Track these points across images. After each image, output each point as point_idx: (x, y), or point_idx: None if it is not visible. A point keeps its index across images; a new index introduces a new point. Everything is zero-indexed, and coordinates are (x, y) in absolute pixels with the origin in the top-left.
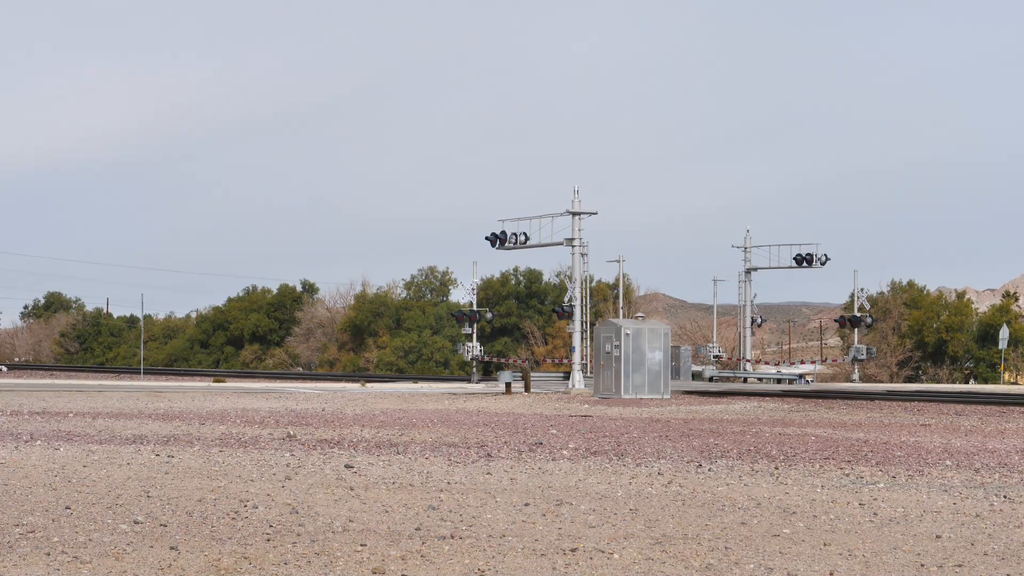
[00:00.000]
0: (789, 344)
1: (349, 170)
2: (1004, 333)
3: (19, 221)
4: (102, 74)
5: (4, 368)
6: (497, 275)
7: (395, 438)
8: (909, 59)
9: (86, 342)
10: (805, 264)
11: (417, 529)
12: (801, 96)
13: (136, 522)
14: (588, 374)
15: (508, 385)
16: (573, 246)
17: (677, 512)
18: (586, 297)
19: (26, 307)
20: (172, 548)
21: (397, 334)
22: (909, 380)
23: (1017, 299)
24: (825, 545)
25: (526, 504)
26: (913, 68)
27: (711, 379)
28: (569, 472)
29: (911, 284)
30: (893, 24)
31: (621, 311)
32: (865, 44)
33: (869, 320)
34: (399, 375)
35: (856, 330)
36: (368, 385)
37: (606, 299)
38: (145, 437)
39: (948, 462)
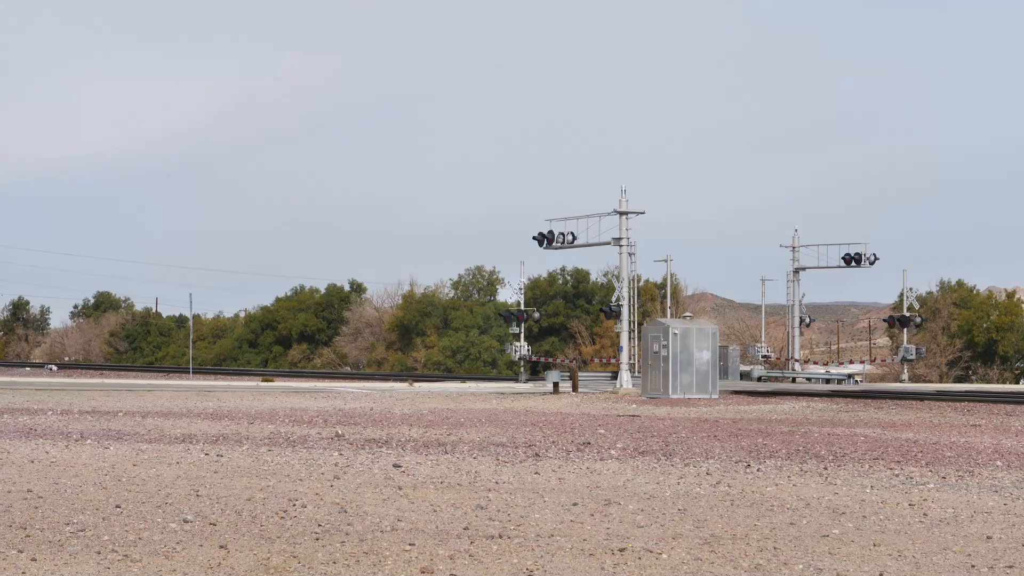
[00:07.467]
0: (838, 344)
1: (397, 170)
2: None
3: (70, 221)
4: (153, 76)
5: (54, 367)
6: (544, 275)
7: (443, 437)
8: (961, 53)
9: (135, 341)
10: (853, 264)
11: (465, 528)
12: (849, 93)
13: (186, 521)
14: (636, 374)
15: (556, 385)
16: (620, 246)
17: (726, 512)
18: (633, 297)
19: (76, 307)
20: (221, 547)
21: (445, 334)
22: (959, 380)
23: None
24: (875, 546)
25: (574, 504)
26: (965, 62)
27: (759, 379)
28: (617, 472)
29: (960, 284)
30: (942, 17)
31: (669, 311)
32: (914, 38)
33: (918, 320)
34: (447, 375)
35: (905, 330)
36: (416, 384)
37: (653, 299)
38: (194, 436)
39: (999, 462)
